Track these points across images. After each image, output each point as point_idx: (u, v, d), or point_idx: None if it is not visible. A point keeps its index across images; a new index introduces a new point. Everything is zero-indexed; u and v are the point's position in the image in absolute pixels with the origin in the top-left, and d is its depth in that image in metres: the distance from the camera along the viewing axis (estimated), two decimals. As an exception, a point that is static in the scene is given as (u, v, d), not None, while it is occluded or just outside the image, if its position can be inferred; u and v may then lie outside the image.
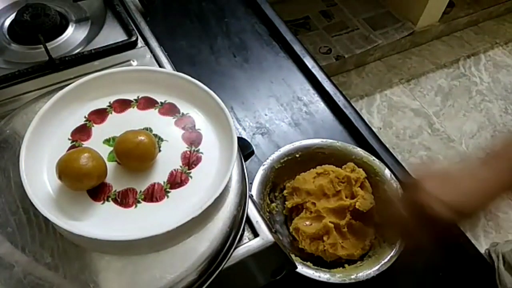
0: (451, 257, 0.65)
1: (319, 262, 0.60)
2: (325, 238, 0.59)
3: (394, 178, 0.63)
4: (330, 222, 0.59)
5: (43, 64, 0.56)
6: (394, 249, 0.58)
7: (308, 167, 0.65)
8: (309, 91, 0.81)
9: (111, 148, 0.43)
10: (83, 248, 0.40)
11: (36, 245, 0.40)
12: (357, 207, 0.60)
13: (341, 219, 0.60)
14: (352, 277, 0.56)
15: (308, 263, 0.58)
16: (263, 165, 0.65)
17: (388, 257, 0.57)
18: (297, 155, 0.66)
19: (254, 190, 0.62)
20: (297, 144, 0.67)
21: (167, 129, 0.45)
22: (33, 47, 0.59)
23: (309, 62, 0.83)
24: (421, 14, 2.00)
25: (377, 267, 0.56)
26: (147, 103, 0.47)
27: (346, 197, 0.62)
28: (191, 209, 0.39)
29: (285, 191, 0.65)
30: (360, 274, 0.56)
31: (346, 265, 0.59)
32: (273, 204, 0.66)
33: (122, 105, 0.47)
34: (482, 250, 0.75)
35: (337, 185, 0.62)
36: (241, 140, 0.51)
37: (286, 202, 0.64)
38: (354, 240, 0.60)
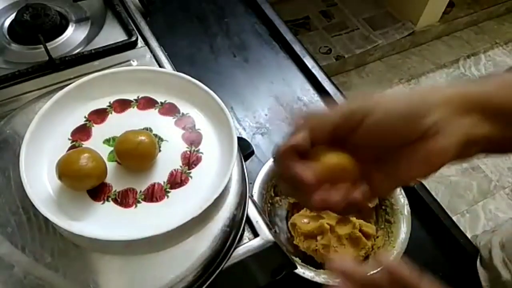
0: (451, 257, 0.65)
1: (312, 262, 0.60)
2: (319, 238, 0.59)
3: (402, 193, 0.63)
4: (327, 223, 0.59)
5: (43, 64, 0.55)
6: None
7: None
8: (309, 91, 0.81)
9: (111, 148, 0.43)
10: (83, 248, 0.40)
11: (36, 245, 0.40)
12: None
13: (344, 225, 0.60)
14: (337, 279, 0.55)
15: (297, 259, 0.58)
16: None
17: (379, 268, 0.56)
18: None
19: (258, 179, 0.62)
20: None
21: (167, 129, 0.45)
22: (33, 47, 0.59)
23: (309, 62, 0.83)
24: (421, 14, 2.00)
25: None
26: (147, 103, 0.47)
27: None
28: (191, 209, 0.39)
29: None
30: None
31: None
32: (277, 198, 0.66)
33: (122, 105, 0.47)
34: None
35: None
36: (241, 140, 0.51)
37: (289, 197, 0.65)
38: (350, 247, 0.59)
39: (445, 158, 0.31)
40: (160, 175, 0.42)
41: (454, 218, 0.73)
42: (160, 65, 0.58)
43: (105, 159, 0.41)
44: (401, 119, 0.31)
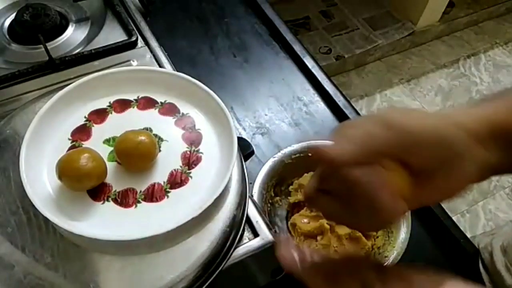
0: (451, 257, 0.65)
1: None
2: (319, 238, 0.59)
3: None
4: (327, 223, 0.59)
5: (43, 64, 0.55)
6: (386, 262, 0.57)
7: None
8: (309, 91, 0.81)
9: (111, 148, 0.43)
10: (83, 248, 0.40)
11: (36, 245, 0.40)
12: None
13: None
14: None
15: None
16: (274, 157, 0.65)
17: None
18: (310, 154, 0.66)
19: (258, 179, 0.62)
20: (312, 143, 0.67)
21: (167, 129, 0.45)
22: (33, 47, 0.59)
23: (309, 62, 0.83)
24: (421, 14, 2.01)
25: None
26: (147, 103, 0.47)
27: None
28: (191, 209, 0.39)
29: (291, 187, 0.65)
30: None
31: None
32: (277, 198, 0.66)
33: (122, 105, 0.47)
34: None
35: None
36: (241, 140, 0.51)
37: (289, 197, 0.64)
38: (350, 248, 0.59)
39: (465, 184, 0.33)
40: (160, 175, 0.42)
41: (454, 218, 0.74)
42: (160, 65, 0.58)
43: (105, 159, 0.41)
44: (436, 145, 0.31)
